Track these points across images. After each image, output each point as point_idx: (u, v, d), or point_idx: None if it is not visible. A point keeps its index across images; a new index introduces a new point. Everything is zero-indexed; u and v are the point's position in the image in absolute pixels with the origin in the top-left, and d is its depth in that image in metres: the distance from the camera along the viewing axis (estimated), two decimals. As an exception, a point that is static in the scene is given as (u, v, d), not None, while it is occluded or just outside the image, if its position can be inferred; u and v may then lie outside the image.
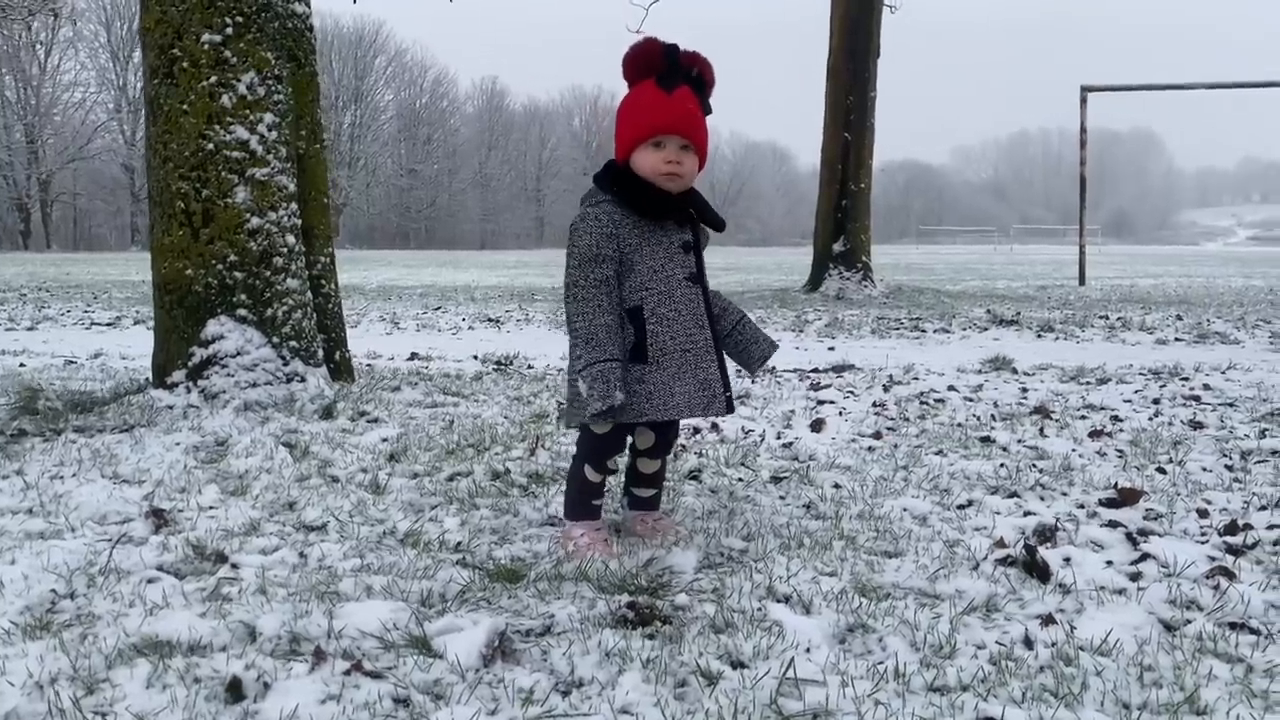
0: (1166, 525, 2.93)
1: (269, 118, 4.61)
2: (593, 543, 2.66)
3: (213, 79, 4.49)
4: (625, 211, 2.57)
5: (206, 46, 4.48)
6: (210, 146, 4.48)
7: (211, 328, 4.49)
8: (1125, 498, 3.17)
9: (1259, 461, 3.78)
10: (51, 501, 3.04)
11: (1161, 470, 3.62)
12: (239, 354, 4.48)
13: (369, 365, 6.90)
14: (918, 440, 4.19)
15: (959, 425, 4.55)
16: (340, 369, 5.09)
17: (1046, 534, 2.79)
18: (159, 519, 2.89)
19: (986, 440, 4.16)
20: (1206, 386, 5.87)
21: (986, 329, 10.49)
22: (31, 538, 2.71)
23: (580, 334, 2.51)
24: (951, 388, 5.83)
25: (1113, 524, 2.93)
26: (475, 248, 71.71)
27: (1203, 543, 2.74)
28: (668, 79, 2.60)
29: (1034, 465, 3.70)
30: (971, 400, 5.41)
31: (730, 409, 2.67)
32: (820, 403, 5.27)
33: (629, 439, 2.79)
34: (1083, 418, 4.77)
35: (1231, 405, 5.14)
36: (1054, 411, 4.89)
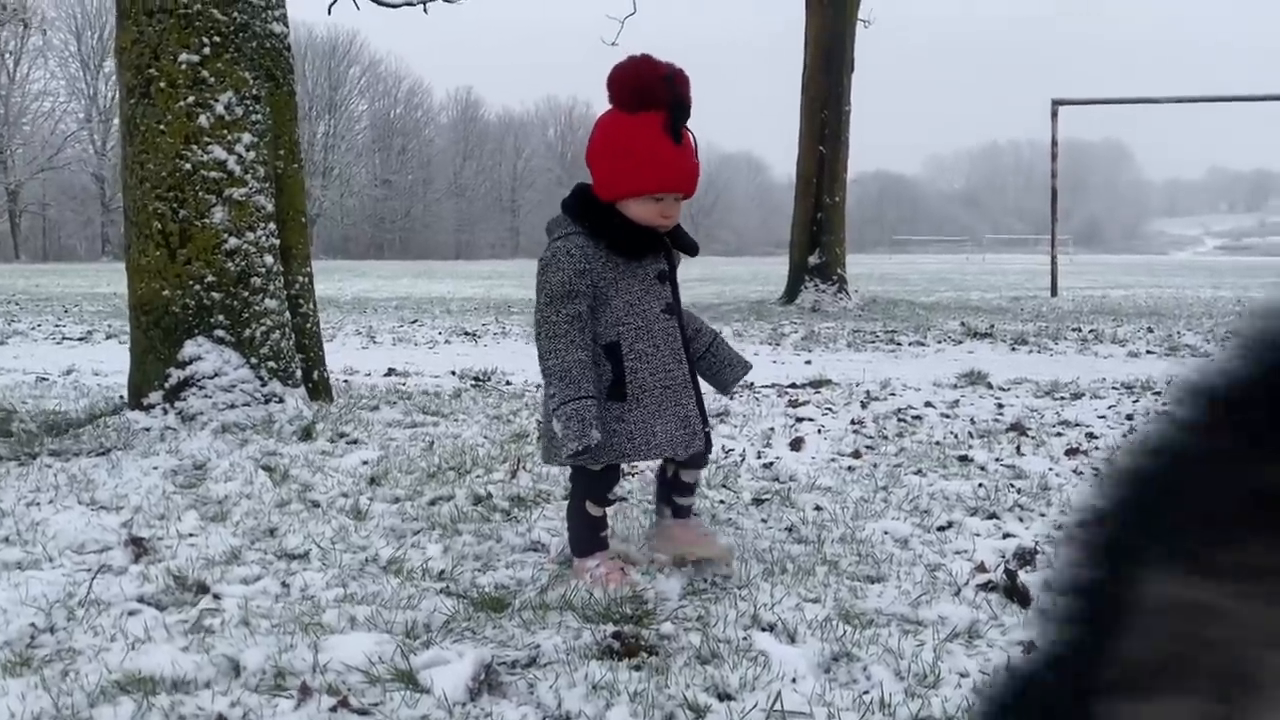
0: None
1: (247, 138, 4.60)
2: (610, 571, 2.59)
3: (190, 99, 4.47)
4: (598, 244, 2.51)
5: (184, 66, 4.46)
6: (188, 166, 4.46)
7: (189, 348, 4.46)
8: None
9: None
10: (29, 530, 3.01)
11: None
12: (216, 375, 4.45)
13: (346, 382, 6.87)
14: (896, 459, 4.22)
15: (937, 444, 4.58)
16: (318, 388, 5.07)
17: (1026, 557, 2.81)
18: (138, 547, 2.87)
19: (964, 459, 4.20)
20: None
21: (961, 342, 10.57)
22: (9, 568, 2.68)
23: (554, 372, 2.46)
24: (929, 403, 5.88)
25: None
26: (450, 258, 71.54)
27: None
28: (677, 125, 2.50)
29: (1012, 485, 3.74)
30: (948, 417, 5.45)
31: (709, 445, 2.67)
32: (799, 420, 5.29)
33: (623, 469, 2.77)
34: (1059, 434, 4.81)
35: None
36: (1030, 428, 4.93)
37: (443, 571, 2.70)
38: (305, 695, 1.94)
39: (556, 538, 2.93)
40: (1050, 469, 4.01)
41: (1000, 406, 5.84)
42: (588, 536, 2.69)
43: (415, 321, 13.29)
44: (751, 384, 6.91)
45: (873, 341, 10.58)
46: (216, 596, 2.50)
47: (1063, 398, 6.24)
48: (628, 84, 2.53)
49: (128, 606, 2.40)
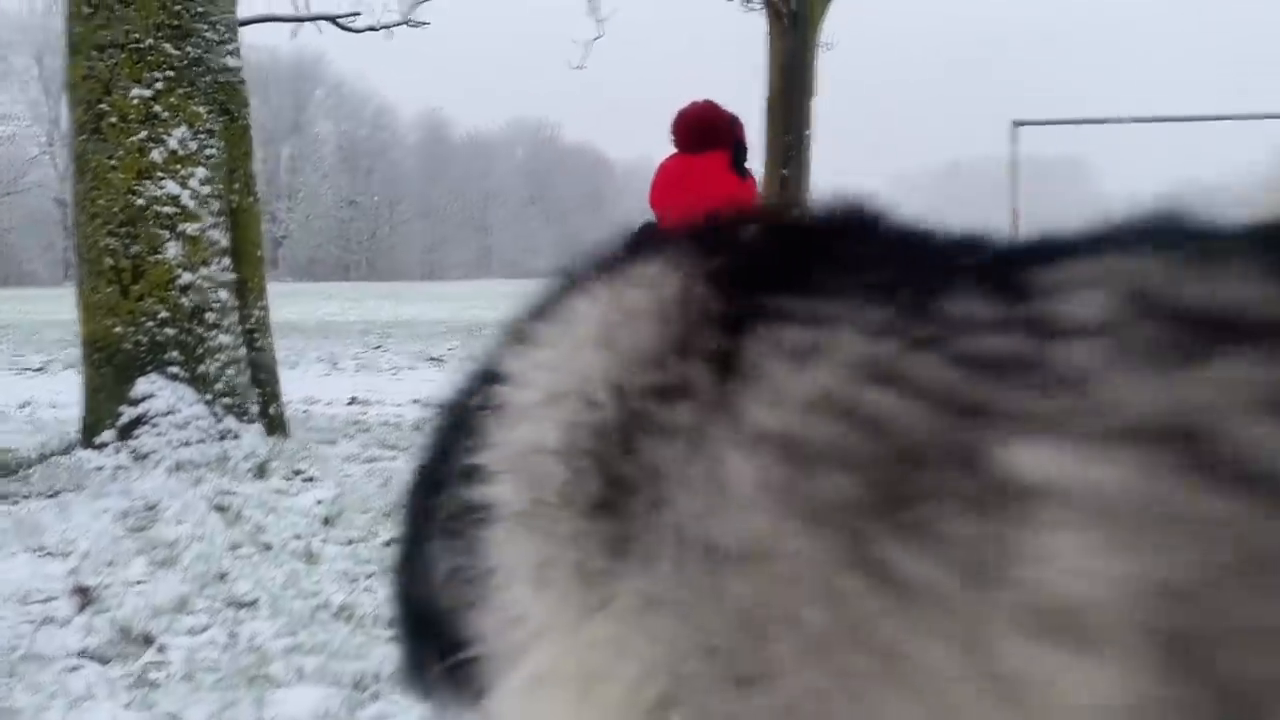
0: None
1: (201, 172, 4.57)
2: None
3: (143, 134, 4.43)
4: None
5: (136, 101, 4.43)
6: (140, 202, 4.42)
7: (141, 386, 4.41)
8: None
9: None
10: (-32, 579, 2.95)
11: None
12: (170, 412, 4.40)
13: (306, 412, 6.82)
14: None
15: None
16: (275, 423, 5.02)
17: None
18: (84, 596, 2.82)
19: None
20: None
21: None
22: (-52, 623, 2.63)
23: None
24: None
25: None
26: (419, 279, 71.25)
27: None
28: (739, 161, 2.64)
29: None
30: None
31: None
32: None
33: None
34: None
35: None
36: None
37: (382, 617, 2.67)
38: (247, 755, 1.91)
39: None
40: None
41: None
42: None
43: (379, 347, 13.22)
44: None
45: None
46: (161, 649, 2.47)
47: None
48: (693, 125, 2.63)
49: (69, 662, 2.36)
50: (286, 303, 28.64)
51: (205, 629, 2.60)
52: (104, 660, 2.41)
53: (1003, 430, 0.45)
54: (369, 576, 3.03)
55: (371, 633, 2.57)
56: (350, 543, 3.39)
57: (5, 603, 2.78)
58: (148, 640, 2.52)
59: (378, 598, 2.82)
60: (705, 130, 2.63)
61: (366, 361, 11.58)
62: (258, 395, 4.89)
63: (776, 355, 0.54)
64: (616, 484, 0.57)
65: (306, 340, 14.60)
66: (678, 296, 0.61)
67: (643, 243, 0.70)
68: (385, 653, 2.42)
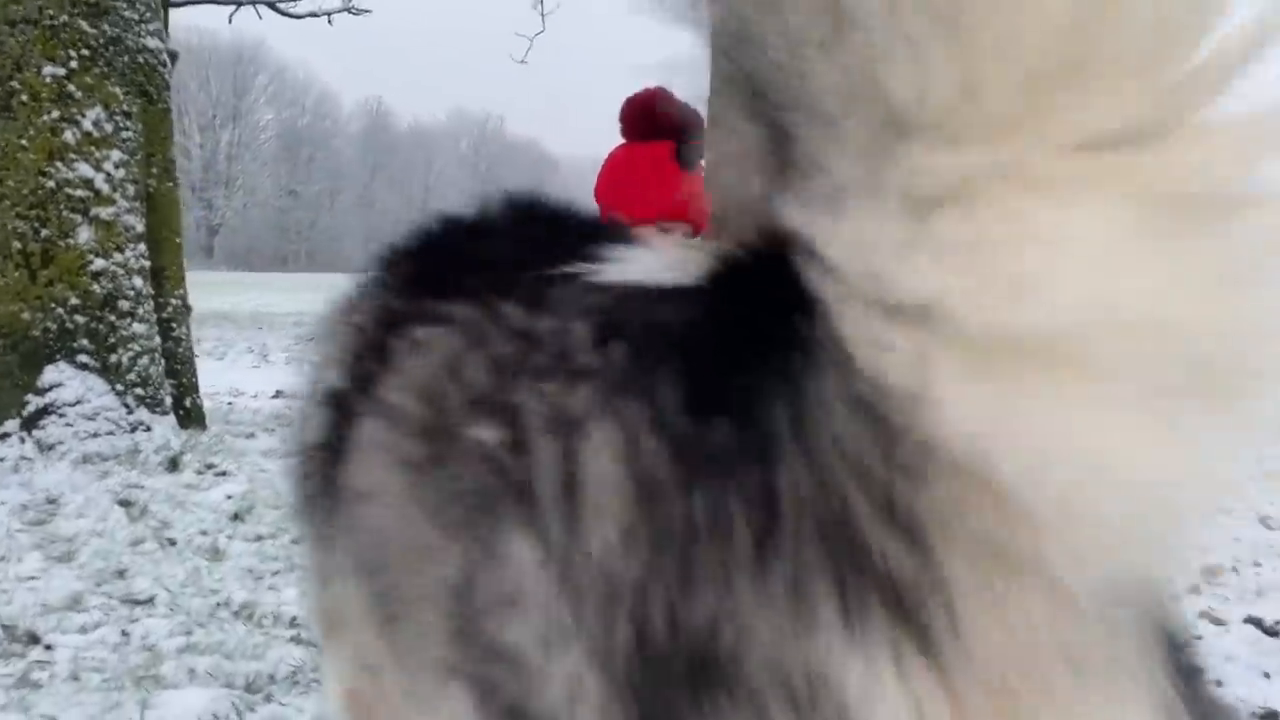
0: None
1: (116, 155, 4.43)
2: None
3: (55, 114, 4.29)
4: None
5: (49, 80, 4.28)
6: (51, 184, 4.28)
7: (49, 374, 4.26)
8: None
9: None
10: None
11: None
12: (79, 402, 4.26)
13: (230, 404, 6.68)
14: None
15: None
16: (190, 416, 4.89)
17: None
18: (-29, 592, 2.71)
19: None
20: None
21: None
22: None
23: None
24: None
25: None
26: (359, 271, 70.22)
27: None
28: (686, 153, 2.47)
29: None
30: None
31: None
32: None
33: None
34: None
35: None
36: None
37: (295, 618, 2.61)
38: (125, 760, 1.84)
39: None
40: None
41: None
42: None
43: (313, 339, 12.97)
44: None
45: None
46: (48, 647, 2.38)
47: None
48: (638, 112, 2.53)
49: (-54, 662, 2.27)
50: (219, 292, 28.09)
51: (97, 627, 2.52)
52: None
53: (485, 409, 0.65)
54: (274, 574, 2.96)
55: (271, 632, 2.51)
56: (258, 539, 3.31)
57: (-114, 598, 2.66)
58: (34, 639, 2.42)
59: (281, 596, 2.75)
60: (650, 118, 2.53)
61: (299, 354, 11.36)
62: (172, 386, 4.77)
63: (405, 349, 0.74)
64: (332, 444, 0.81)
65: (238, 331, 14.35)
66: (371, 311, 0.85)
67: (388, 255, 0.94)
68: (283, 653, 2.36)
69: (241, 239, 74.34)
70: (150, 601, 2.72)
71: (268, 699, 2.13)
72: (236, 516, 3.54)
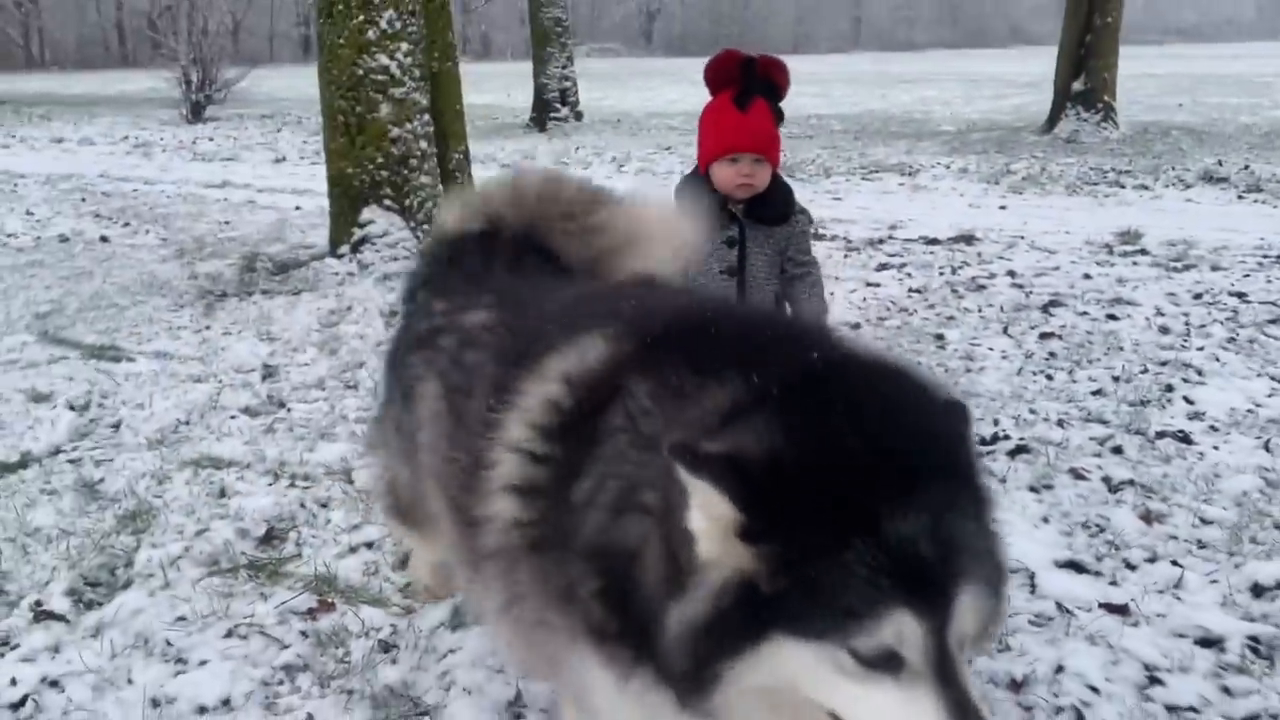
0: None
1: (405, 46, 5.87)
2: None
3: (361, 18, 5.77)
4: None
5: (355, -9, 5.75)
6: (360, 72, 5.82)
7: (365, 213, 5.95)
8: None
9: None
10: (212, 353, 4.65)
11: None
12: (385, 234, 5.93)
13: None
14: (878, 337, 4.95)
15: (929, 329, 5.21)
16: (471, 242, 6.44)
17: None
18: (268, 371, 4.41)
19: (939, 338, 4.86)
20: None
21: (1191, 186, 10.14)
22: (182, 379, 4.30)
23: None
24: (1011, 273, 6.28)
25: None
26: (787, 52, 70.32)
27: None
28: (744, 96, 2.89)
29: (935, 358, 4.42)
30: (1019, 286, 5.90)
31: None
32: (867, 284, 6.00)
33: None
34: (1049, 313, 5.22)
35: None
36: (1061, 307, 5.36)
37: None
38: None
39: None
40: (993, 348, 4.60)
41: (1088, 277, 6.13)
42: None
43: (669, 148, 14.28)
44: (887, 236, 7.52)
45: (1096, 184, 10.40)
46: (289, 410, 3.97)
47: (1176, 267, 6.35)
48: (709, 72, 3.05)
49: (235, 411, 3.92)
50: (633, 82, 30.00)
51: (319, 401, 4.07)
52: (253, 415, 3.94)
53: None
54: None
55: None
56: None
57: (225, 371, 4.42)
58: (282, 404, 4.03)
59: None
60: (715, 75, 3.00)
61: (650, 164, 12.71)
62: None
63: (432, 305, 1.92)
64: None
65: (616, 135, 15.97)
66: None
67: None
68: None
69: (676, 24, 76.94)
70: (355, 387, 4.24)
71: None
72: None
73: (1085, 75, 13.56)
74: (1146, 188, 10.11)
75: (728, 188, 3.00)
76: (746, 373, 1.16)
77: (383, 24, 5.80)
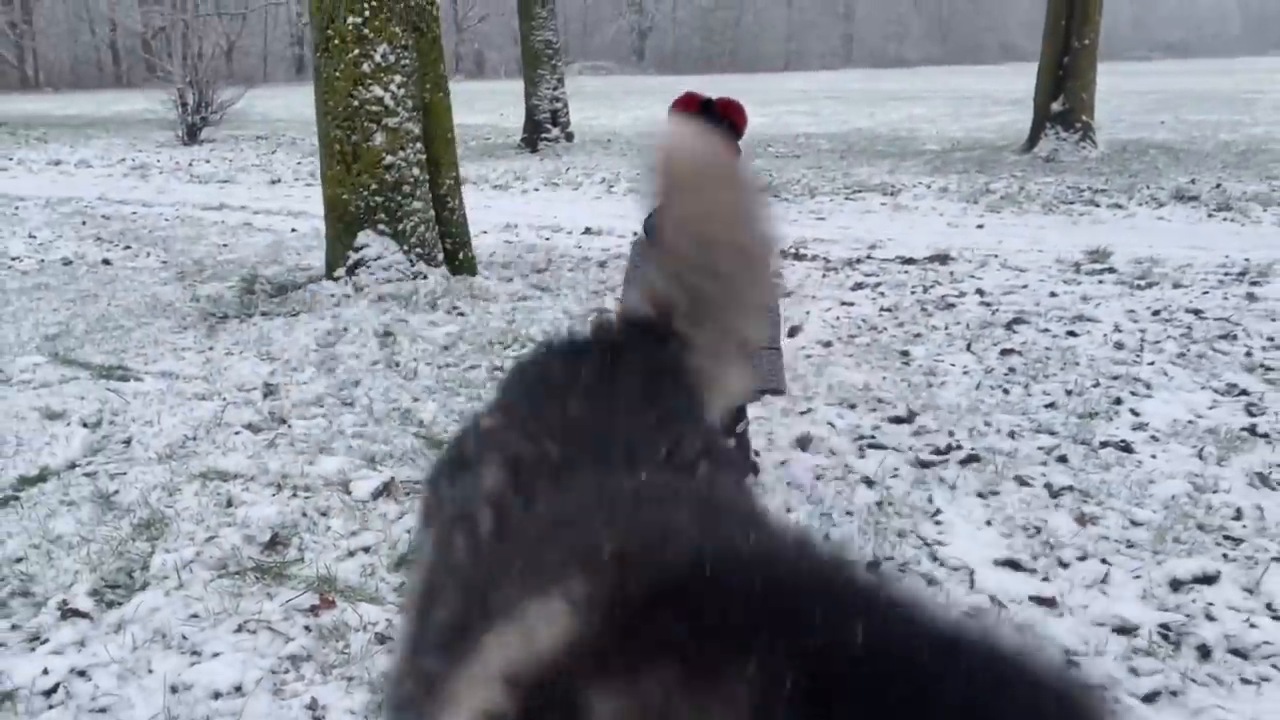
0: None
1: (398, 78, 6.15)
2: None
3: (356, 52, 6.06)
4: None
5: (350, 27, 6.04)
6: (356, 103, 6.10)
7: (361, 238, 6.22)
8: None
9: None
10: (215, 371, 4.90)
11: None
12: (379, 258, 6.19)
13: (547, 239, 8.50)
14: (848, 354, 5.22)
15: (896, 347, 5.48)
16: (464, 266, 6.71)
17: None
18: (269, 389, 4.66)
19: (904, 354, 5.13)
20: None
21: (1163, 204, 10.44)
22: (188, 397, 4.56)
23: None
24: (980, 291, 6.57)
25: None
26: (779, 69, 70.96)
27: None
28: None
29: (909, 380, 4.69)
30: (987, 305, 6.18)
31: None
32: (842, 303, 6.28)
33: None
34: (993, 327, 5.50)
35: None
36: (1025, 324, 5.64)
37: (419, 419, 4.26)
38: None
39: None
40: (952, 365, 4.87)
41: (1054, 295, 6.41)
42: None
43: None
44: (865, 256, 7.80)
45: (1072, 203, 10.69)
46: (290, 426, 4.22)
47: (1138, 284, 6.64)
48: (672, 113, 3.34)
49: (237, 428, 4.17)
50: (629, 99, 30.36)
51: (318, 418, 4.33)
52: (256, 430, 4.20)
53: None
54: (434, 393, 4.63)
55: (406, 428, 4.17)
56: (444, 366, 5.00)
57: (227, 389, 4.68)
58: (283, 420, 4.28)
59: (425, 406, 4.41)
60: (682, 105, 3.32)
61: (640, 184, 13.01)
62: (450, 243, 6.59)
63: (480, 418, 1.29)
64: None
65: (611, 157, 16.22)
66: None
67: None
68: (408, 442, 4.00)
69: (669, 41, 77.56)
70: (351, 404, 4.50)
71: (381, 466, 3.79)
72: (445, 348, 5.27)
73: (1064, 95, 13.90)
74: (1120, 206, 10.41)
75: None
76: (773, 675, 0.61)
77: (377, 57, 6.08)
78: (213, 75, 21.39)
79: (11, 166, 16.65)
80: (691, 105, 3.31)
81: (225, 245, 8.83)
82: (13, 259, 8.24)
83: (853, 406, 4.41)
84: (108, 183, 14.23)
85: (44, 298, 6.69)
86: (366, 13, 6.04)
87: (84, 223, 10.39)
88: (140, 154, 18.18)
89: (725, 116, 3.32)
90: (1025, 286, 6.69)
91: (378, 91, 6.10)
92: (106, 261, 8.12)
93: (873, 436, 4.06)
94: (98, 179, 14.80)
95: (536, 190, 12.80)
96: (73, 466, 3.85)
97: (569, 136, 17.28)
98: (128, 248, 8.81)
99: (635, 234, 3.43)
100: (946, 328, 5.66)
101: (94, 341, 5.51)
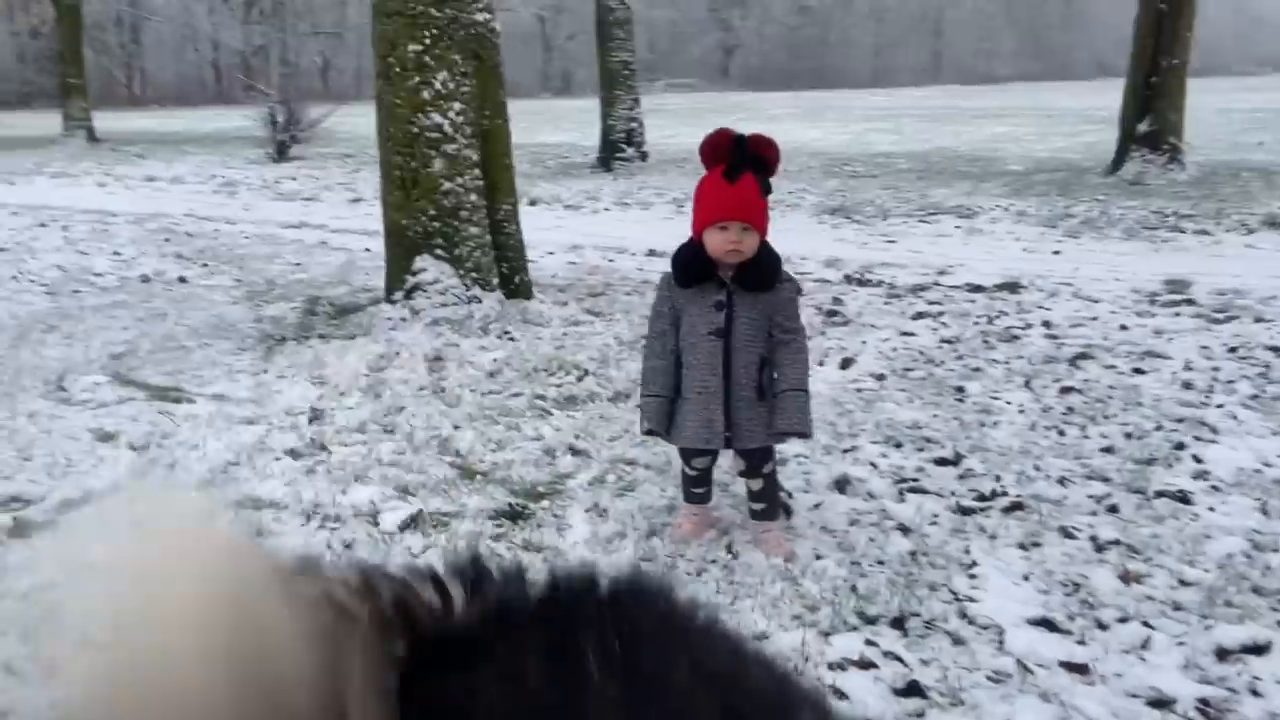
0: None
1: (457, 105, 6.20)
2: (685, 521, 3.47)
3: (416, 79, 6.13)
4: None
5: (411, 54, 6.11)
6: (415, 130, 6.17)
7: (418, 262, 6.28)
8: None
9: None
10: (266, 396, 4.98)
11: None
12: (435, 282, 6.24)
13: (611, 261, 8.49)
14: (900, 388, 5.08)
15: (952, 381, 5.31)
16: (519, 290, 6.72)
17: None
18: (315, 414, 4.72)
19: (959, 390, 4.96)
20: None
21: (1253, 231, 10.02)
22: (235, 421, 4.63)
23: (643, 372, 3.44)
24: (1047, 323, 6.35)
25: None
26: (865, 86, 70.16)
27: None
28: (733, 170, 3.13)
29: (958, 419, 4.54)
30: (1054, 338, 5.97)
31: (728, 445, 3.33)
32: (902, 333, 6.12)
33: (702, 450, 3.40)
34: (1079, 366, 5.28)
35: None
36: (1090, 360, 5.42)
37: (458, 449, 4.26)
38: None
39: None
40: (1034, 422, 4.69)
41: (1124, 328, 6.16)
42: (684, 489, 3.51)
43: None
44: (932, 283, 7.62)
45: (1155, 228, 10.32)
46: (329, 451, 4.25)
47: (1214, 317, 6.35)
48: (704, 150, 3.30)
49: (277, 455, 4.22)
50: (722, 118, 30.29)
51: (357, 445, 4.35)
52: (296, 456, 4.24)
53: None
54: (474, 421, 4.62)
55: (438, 456, 4.17)
56: (487, 393, 5.00)
57: (275, 413, 4.74)
58: (324, 447, 4.32)
59: (461, 435, 4.40)
60: (708, 152, 3.22)
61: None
62: (507, 268, 6.62)
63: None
64: None
65: (680, 175, 16.20)
66: None
67: None
68: (443, 471, 4.00)
69: (754, 57, 77.39)
70: (392, 431, 4.51)
71: (412, 497, 3.79)
72: (490, 375, 5.27)
73: (1151, 116, 13.43)
74: (1207, 233, 10.00)
75: (718, 253, 3.18)
76: None
77: (437, 85, 6.14)
78: (307, 92, 21.96)
79: (110, 183, 17.29)
80: (723, 142, 3.21)
81: (298, 264, 9.01)
82: (95, 275, 8.52)
83: (899, 445, 4.28)
84: (196, 199, 14.68)
85: (117, 316, 6.89)
86: (427, 40, 6.11)
87: (168, 239, 10.71)
88: (231, 170, 18.74)
89: (756, 153, 3.21)
90: (1095, 319, 6.45)
91: (437, 119, 6.16)
92: (183, 279, 8.35)
93: (915, 479, 3.93)
94: (188, 195, 15.28)
95: (608, 210, 12.84)
96: (116, 490, 3.93)
97: (643, 156, 17.30)
98: (205, 265, 9.05)
99: (665, 273, 3.37)
100: (1007, 361, 5.48)
101: (155, 361, 5.65)
